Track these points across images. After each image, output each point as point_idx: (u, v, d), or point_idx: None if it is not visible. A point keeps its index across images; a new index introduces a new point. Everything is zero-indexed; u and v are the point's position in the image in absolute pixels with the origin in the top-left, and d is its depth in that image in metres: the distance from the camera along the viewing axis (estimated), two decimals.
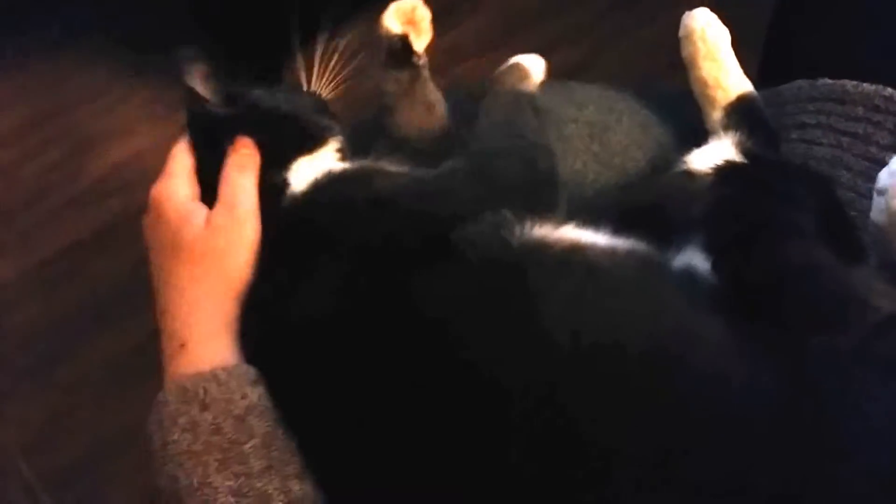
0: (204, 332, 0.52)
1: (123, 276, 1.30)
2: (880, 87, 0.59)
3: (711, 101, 0.66)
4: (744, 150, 0.62)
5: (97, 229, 1.44)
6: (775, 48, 0.76)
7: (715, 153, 0.62)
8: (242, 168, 0.56)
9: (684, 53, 0.67)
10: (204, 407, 0.48)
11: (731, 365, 0.45)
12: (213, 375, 0.49)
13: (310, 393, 0.49)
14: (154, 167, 0.66)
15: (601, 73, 1.43)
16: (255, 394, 0.49)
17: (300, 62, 0.65)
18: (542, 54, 0.70)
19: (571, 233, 0.52)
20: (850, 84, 0.61)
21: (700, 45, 0.66)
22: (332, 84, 0.66)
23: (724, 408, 0.43)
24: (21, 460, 1.30)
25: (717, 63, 0.66)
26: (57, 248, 1.46)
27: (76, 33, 1.65)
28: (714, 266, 0.49)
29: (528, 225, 0.50)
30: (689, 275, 0.50)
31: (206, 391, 0.48)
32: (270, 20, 1.52)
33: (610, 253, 0.51)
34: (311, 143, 0.59)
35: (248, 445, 0.47)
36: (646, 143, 0.69)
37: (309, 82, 0.65)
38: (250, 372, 0.50)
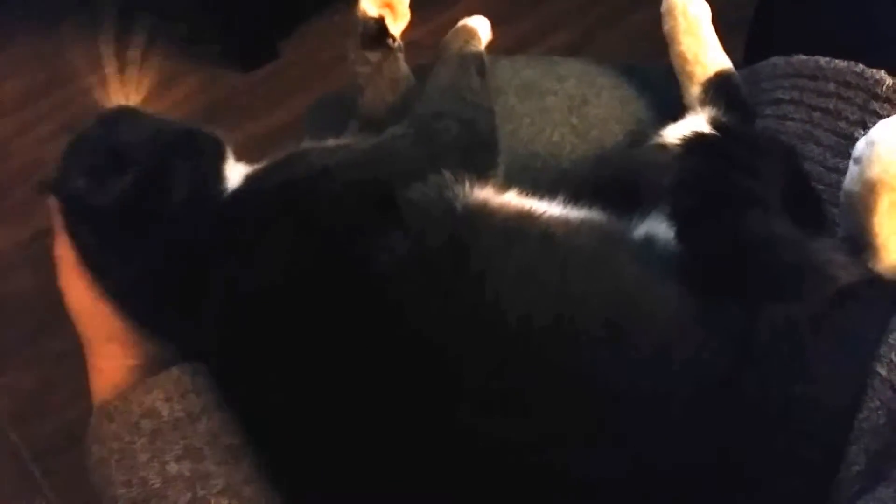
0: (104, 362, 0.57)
1: None
2: (852, 63, 0.60)
3: (690, 77, 0.67)
4: (717, 125, 0.62)
5: None
6: (761, 29, 0.77)
7: (689, 127, 0.63)
8: (55, 244, 0.57)
9: (665, 28, 0.68)
10: (110, 419, 0.53)
11: (679, 339, 0.45)
12: (122, 394, 0.54)
13: (263, 367, 0.51)
14: None
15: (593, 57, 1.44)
16: (149, 399, 0.53)
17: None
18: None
19: (517, 199, 0.53)
20: (823, 60, 0.61)
21: (681, 19, 0.67)
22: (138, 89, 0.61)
23: (663, 385, 0.44)
24: (10, 428, 1.31)
25: (697, 38, 0.67)
26: (50, 221, 1.47)
27: (74, 6, 1.65)
28: (676, 235, 0.49)
29: (468, 186, 0.51)
30: (648, 244, 0.51)
31: (115, 408, 0.54)
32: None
33: (563, 222, 0.51)
34: (221, 150, 0.58)
35: (137, 444, 0.52)
36: (624, 117, 0.70)
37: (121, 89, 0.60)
38: (147, 383, 0.54)
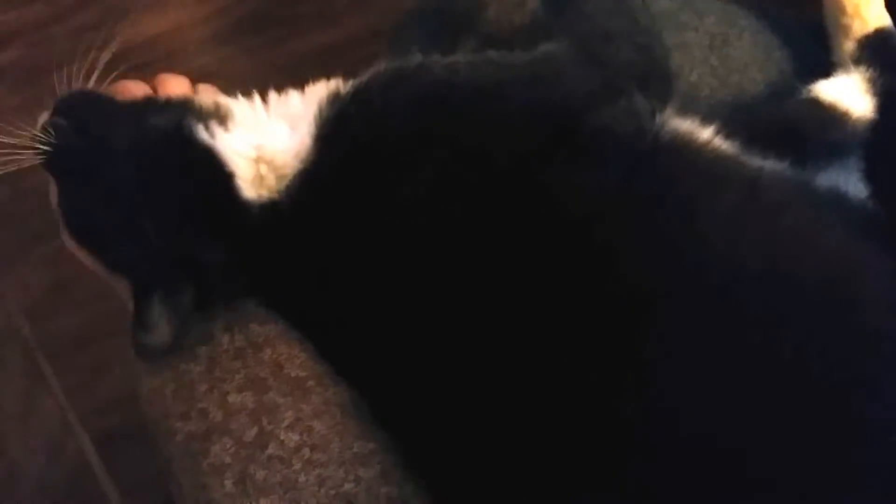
0: None
1: None
2: None
3: (845, 30, 0.61)
4: (874, 88, 0.58)
5: None
6: None
7: (844, 87, 0.58)
8: None
9: None
10: None
11: None
12: None
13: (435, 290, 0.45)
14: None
15: None
16: (206, 327, 0.50)
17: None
18: None
19: (717, 138, 0.48)
20: None
21: None
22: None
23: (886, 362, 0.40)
24: (23, 323, 1.27)
25: None
26: None
27: None
28: (875, 196, 0.45)
29: (668, 115, 0.46)
30: (838, 200, 0.47)
31: None
32: None
33: (759, 169, 0.47)
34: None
35: (194, 372, 0.48)
36: (766, 65, 0.64)
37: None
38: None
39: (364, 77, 0.50)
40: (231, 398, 0.47)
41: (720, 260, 0.42)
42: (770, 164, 0.48)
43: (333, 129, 0.48)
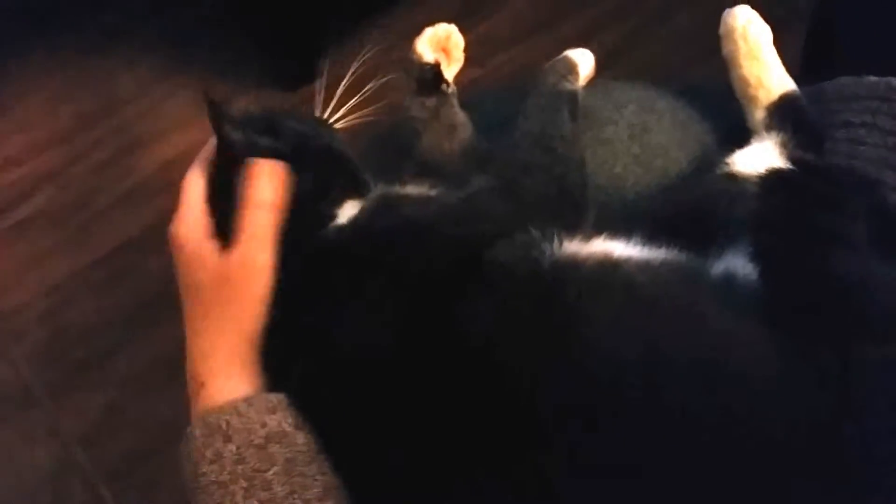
0: (219, 372, 0.53)
1: (173, 272, 1.32)
2: None
3: (753, 101, 0.65)
4: (787, 151, 0.62)
5: (147, 227, 1.47)
6: (819, 42, 0.75)
7: (758, 155, 0.61)
8: (261, 204, 0.54)
9: (725, 52, 0.66)
10: (227, 439, 0.49)
11: (772, 384, 0.45)
12: (233, 408, 0.50)
13: (358, 424, 0.50)
14: None
15: (636, 60, 1.42)
16: (274, 421, 0.50)
17: (320, 85, 0.64)
18: (576, 42, 0.69)
19: (603, 246, 0.52)
20: (895, 81, 0.60)
21: (741, 43, 0.65)
22: (343, 115, 0.63)
23: (758, 432, 0.43)
24: (79, 450, 1.34)
25: (759, 62, 0.65)
26: (108, 247, 1.50)
27: (121, 30, 1.67)
28: (760, 275, 0.49)
29: (556, 242, 0.50)
30: (728, 282, 0.50)
31: (227, 423, 0.50)
32: (307, 24, 1.54)
33: (644, 266, 0.50)
34: (361, 190, 0.58)
35: (270, 472, 0.48)
36: (686, 143, 0.68)
37: (324, 108, 0.63)
38: (269, 400, 0.51)
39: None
40: None
41: (601, 363, 0.45)
42: (654, 255, 0.51)
43: (343, 237, 0.55)
